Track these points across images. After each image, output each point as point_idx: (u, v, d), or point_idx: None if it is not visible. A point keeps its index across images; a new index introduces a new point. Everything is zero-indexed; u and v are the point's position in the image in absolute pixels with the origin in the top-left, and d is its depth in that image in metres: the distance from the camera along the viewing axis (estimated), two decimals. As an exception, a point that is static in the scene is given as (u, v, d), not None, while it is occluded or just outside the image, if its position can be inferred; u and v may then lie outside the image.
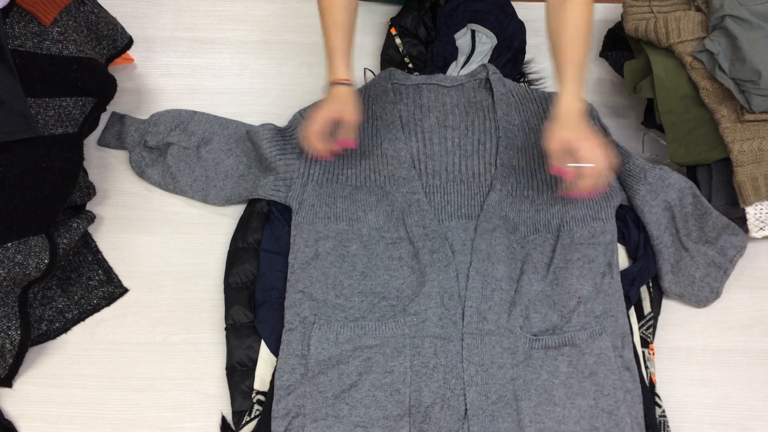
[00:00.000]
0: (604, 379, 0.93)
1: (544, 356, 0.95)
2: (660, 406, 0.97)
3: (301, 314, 0.98)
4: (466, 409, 0.91)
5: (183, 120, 1.14)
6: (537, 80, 1.23)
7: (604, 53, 1.24)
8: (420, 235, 1.01)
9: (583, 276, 1.00)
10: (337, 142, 0.98)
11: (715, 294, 1.04)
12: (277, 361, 0.96)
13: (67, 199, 1.01)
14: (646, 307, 1.02)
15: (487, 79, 1.12)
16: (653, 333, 1.01)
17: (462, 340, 0.94)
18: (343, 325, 0.97)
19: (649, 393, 0.97)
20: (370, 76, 1.22)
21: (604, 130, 1.10)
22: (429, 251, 1.00)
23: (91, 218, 1.09)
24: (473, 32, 1.21)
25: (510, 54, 1.19)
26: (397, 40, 1.21)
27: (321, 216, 1.04)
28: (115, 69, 1.24)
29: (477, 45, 1.21)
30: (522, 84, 1.19)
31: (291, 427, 0.92)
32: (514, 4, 1.24)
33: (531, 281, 0.99)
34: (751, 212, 1.03)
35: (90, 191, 1.11)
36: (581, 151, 0.88)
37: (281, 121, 1.22)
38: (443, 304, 0.97)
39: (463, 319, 0.95)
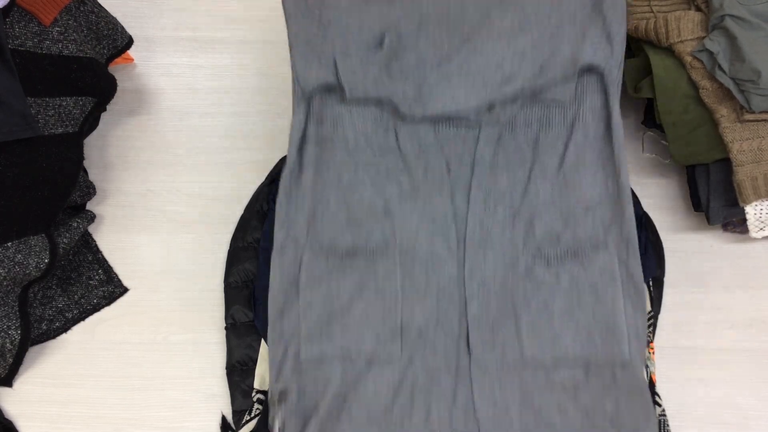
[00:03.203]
0: (605, 293, 0.90)
1: (546, 270, 0.92)
2: (660, 406, 0.97)
3: (292, 234, 0.93)
4: (459, 330, 0.90)
5: None
6: None
7: (604, 53, 1.24)
8: (412, 150, 0.94)
9: (595, 181, 0.94)
10: None
11: None
12: (269, 285, 0.92)
13: (67, 199, 1.01)
14: (647, 307, 1.02)
15: None
16: (653, 332, 1.01)
17: (464, 254, 0.91)
18: (332, 247, 0.93)
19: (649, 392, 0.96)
20: None
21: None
22: (423, 169, 0.94)
23: (91, 218, 1.09)
24: None
25: None
26: None
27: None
28: (115, 69, 1.24)
29: None
30: None
31: (288, 350, 0.90)
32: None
33: (538, 189, 0.94)
34: (751, 212, 1.03)
35: (90, 191, 1.11)
36: None
37: (281, 121, 1.22)
38: (434, 224, 0.93)
39: (464, 241, 0.92)
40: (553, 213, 0.94)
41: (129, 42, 1.18)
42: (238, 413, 0.97)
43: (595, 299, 0.90)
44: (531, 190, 0.94)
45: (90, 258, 1.09)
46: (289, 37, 0.94)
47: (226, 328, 1.02)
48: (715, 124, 1.01)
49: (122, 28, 1.16)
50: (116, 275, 1.09)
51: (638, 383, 0.88)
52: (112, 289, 1.08)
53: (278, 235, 0.93)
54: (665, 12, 1.07)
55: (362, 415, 0.87)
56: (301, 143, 0.94)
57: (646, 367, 0.99)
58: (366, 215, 0.94)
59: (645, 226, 1.06)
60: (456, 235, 0.93)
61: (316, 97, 0.94)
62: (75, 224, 1.04)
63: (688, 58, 1.01)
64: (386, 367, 0.89)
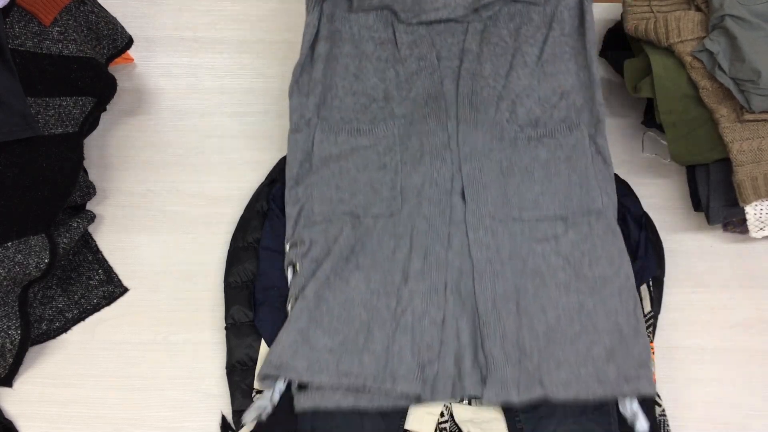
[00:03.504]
0: (577, 162, 1.05)
1: (527, 144, 1.06)
2: (660, 406, 0.97)
3: (305, 116, 1.07)
4: (452, 186, 1.03)
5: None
6: None
7: (603, 52, 1.24)
8: (408, 43, 1.08)
9: (569, 70, 1.08)
10: None
11: None
12: (286, 158, 1.07)
13: (67, 198, 1.01)
14: (646, 307, 1.02)
15: None
16: (653, 332, 1.01)
17: (456, 127, 1.05)
18: (340, 128, 1.07)
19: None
20: None
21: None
22: (416, 58, 1.07)
23: (91, 218, 1.09)
24: None
25: None
26: None
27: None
28: (115, 69, 1.24)
29: None
30: None
31: (302, 211, 1.04)
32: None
33: (519, 76, 1.07)
34: (751, 212, 1.03)
35: (90, 191, 1.11)
36: None
37: (281, 121, 1.22)
38: (428, 106, 1.06)
39: (456, 117, 1.06)
40: (533, 99, 1.08)
41: (129, 42, 1.18)
42: (238, 413, 0.97)
43: (570, 168, 1.05)
44: (512, 77, 1.07)
45: (90, 258, 1.09)
46: None
47: (226, 328, 1.02)
48: (715, 124, 1.01)
49: (122, 28, 1.16)
50: (116, 275, 1.09)
51: (611, 228, 1.01)
52: (112, 289, 1.08)
53: (293, 117, 1.08)
54: (665, 12, 1.07)
55: (368, 261, 0.99)
56: (313, 41, 1.08)
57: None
58: (369, 100, 1.08)
59: (645, 225, 1.06)
60: (446, 113, 1.06)
61: (328, 2, 1.09)
62: (75, 224, 1.04)
63: (688, 58, 1.01)
64: (389, 220, 1.02)
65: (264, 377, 0.94)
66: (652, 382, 0.92)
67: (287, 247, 1.03)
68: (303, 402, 0.92)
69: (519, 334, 0.94)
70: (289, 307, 0.99)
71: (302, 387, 0.93)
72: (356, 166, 1.05)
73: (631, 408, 0.92)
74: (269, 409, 0.93)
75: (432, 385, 0.92)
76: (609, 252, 1.00)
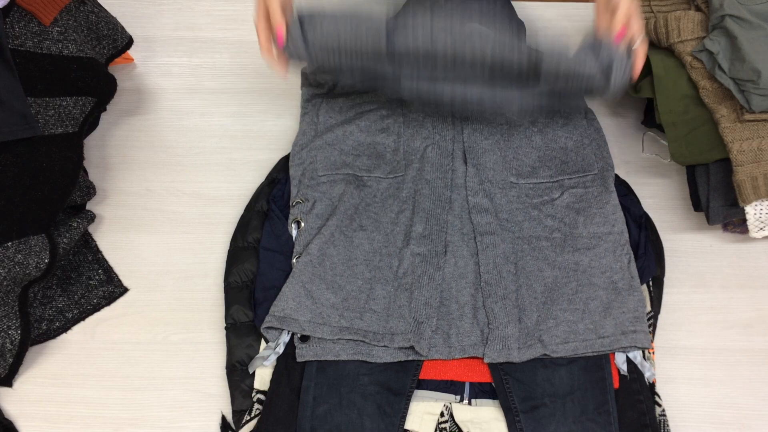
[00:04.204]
0: (574, 130, 1.09)
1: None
2: (660, 406, 0.97)
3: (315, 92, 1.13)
4: (453, 150, 1.06)
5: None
6: None
7: (603, 53, 1.24)
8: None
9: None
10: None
11: None
12: (297, 136, 1.11)
13: (67, 198, 1.01)
14: (647, 307, 1.02)
15: None
16: (653, 332, 1.01)
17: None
18: (345, 98, 1.12)
19: (648, 392, 0.97)
20: None
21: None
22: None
23: (91, 218, 1.09)
24: None
25: None
26: None
27: None
28: (115, 69, 1.24)
29: None
30: None
31: (305, 172, 1.07)
32: (514, 3, 1.24)
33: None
34: (751, 212, 1.03)
35: (90, 191, 1.11)
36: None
37: (281, 121, 1.22)
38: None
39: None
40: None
41: (129, 42, 1.18)
42: (238, 413, 0.97)
43: (567, 135, 1.08)
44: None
45: (90, 258, 1.09)
46: None
47: (226, 328, 1.02)
48: (715, 124, 1.01)
49: (122, 28, 1.16)
50: (116, 275, 1.09)
51: (606, 187, 1.04)
52: (112, 289, 1.08)
53: (304, 93, 1.13)
54: (665, 12, 1.07)
55: (371, 222, 1.03)
56: None
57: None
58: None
59: (645, 225, 1.06)
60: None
61: None
62: (75, 224, 1.04)
63: (688, 58, 1.01)
64: (392, 183, 1.05)
65: (268, 329, 0.96)
66: (648, 335, 0.95)
67: (291, 205, 1.05)
68: (305, 353, 0.95)
69: (518, 294, 0.97)
70: (294, 261, 1.00)
71: (305, 339, 0.96)
72: (359, 128, 1.09)
73: (634, 360, 0.95)
74: (273, 360, 0.96)
75: (429, 340, 0.94)
76: (603, 210, 1.03)
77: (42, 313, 1.04)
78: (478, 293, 0.98)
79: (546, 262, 1.00)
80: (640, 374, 0.96)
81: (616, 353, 0.96)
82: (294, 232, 1.04)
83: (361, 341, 0.95)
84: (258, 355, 0.98)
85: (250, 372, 0.98)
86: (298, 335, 0.96)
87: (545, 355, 0.94)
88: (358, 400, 0.94)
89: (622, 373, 0.95)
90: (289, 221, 1.04)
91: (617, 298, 0.97)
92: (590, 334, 0.95)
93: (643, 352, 0.99)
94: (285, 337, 0.96)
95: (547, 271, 0.99)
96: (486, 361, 0.94)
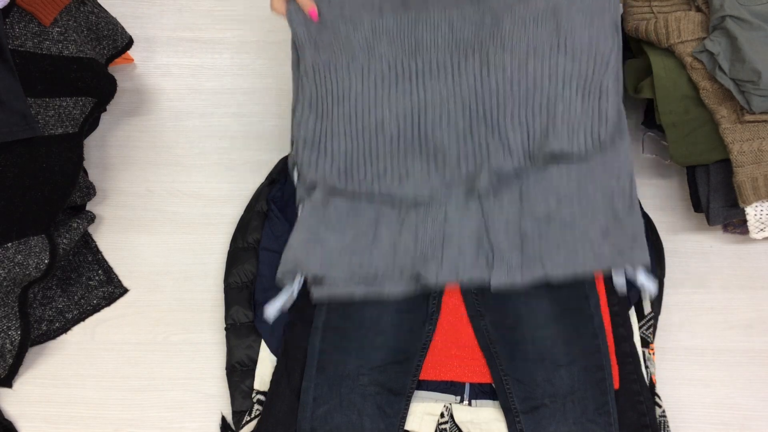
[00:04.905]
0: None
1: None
2: (660, 406, 0.97)
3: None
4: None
5: None
6: None
7: (604, 53, 1.24)
8: None
9: None
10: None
11: None
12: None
13: (67, 199, 1.01)
14: (647, 307, 1.02)
15: None
16: (653, 333, 1.01)
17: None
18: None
19: (648, 393, 0.97)
20: None
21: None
22: None
23: (91, 218, 1.09)
24: None
25: None
26: None
27: None
28: (115, 69, 1.24)
29: None
30: None
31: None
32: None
33: None
34: (752, 213, 1.03)
35: (90, 191, 1.11)
36: None
37: (281, 121, 1.22)
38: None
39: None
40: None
41: (129, 42, 1.18)
42: (238, 414, 0.97)
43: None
44: None
45: (90, 258, 1.09)
46: None
47: (226, 329, 1.02)
48: (715, 124, 1.01)
49: (122, 28, 1.16)
50: (116, 276, 1.09)
51: (619, 159, 1.00)
52: (112, 289, 1.08)
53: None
54: (666, 13, 1.07)
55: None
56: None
57: (646, 367, 0.99)
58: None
59: (645, 226, 1.05)
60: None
61: None
62: (75, 224, 1.04)
63: (689, 59, 1.01)
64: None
65: (282, 275, 0.97)
66: (646, 252, 0.96)
67: (290, 164, 1.04)
68: (318, 293, 0.96)
69: (521, 222, 0.98)
70: (299, 209, 1.01)
71: (317, 282, 0.97)
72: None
73: (634, 276, 0.97)
74: (289, 304, 0.98)
75: (437, 267, 0.96)
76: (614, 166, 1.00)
77: (42, 314, 1.04)
78: (482, 224, 0.99)
79: (550, 187, 0.99)
80: (641, 375, 0.97)
81: (615, 275, 0.97)
82: (295, 177, 1.03)
83: (373, 277, 0.97)
84: (272, 302, 0.98)
85: (270, 319, 0.99)
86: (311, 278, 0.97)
87: (545, 276, 0.95)
88: (358, 400, 0.94)
89: (620, 294, 0.97)
90: (289, 164, 1.04)
91: (616, 222, 0.97)
92: (588, 257, 0.96)
93: (645, 355, 0.99)
94: (299, 282, 0.98)
95: (551, 197, 0.99)
96: (493, 286, 0.95)
